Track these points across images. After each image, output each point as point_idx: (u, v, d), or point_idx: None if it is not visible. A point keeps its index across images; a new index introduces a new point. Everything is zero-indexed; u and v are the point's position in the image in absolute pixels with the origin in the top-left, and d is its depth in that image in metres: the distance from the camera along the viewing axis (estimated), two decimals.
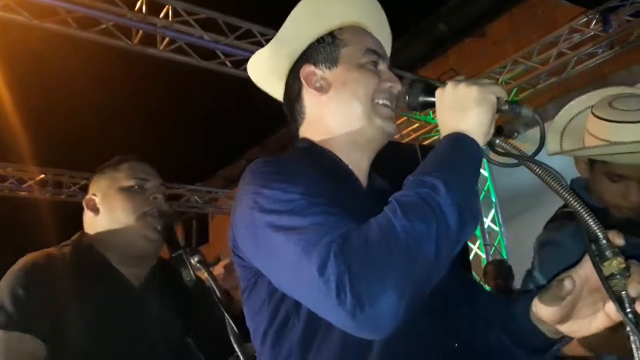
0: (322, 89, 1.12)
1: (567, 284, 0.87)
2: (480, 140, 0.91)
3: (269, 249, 0.88)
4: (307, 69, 1.14)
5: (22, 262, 1.41)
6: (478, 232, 6.07)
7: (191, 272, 1.37)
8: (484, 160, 0.97)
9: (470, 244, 6.10)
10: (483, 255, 6.15)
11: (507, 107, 0.93)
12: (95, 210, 1.56)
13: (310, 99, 1.14)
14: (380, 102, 1.09)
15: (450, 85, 0.96)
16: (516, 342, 1.00)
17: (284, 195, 0.88)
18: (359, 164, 1.10)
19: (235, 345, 1.22)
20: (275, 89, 1.25)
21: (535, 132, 1.76)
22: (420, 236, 0.78)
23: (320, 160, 1.07)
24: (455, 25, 6.97)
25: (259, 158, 1.02)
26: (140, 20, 4.03)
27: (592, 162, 1.64)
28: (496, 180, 6.31)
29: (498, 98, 0.92)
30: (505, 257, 6.09)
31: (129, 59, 4.55)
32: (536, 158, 0.91)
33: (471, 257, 6.11)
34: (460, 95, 0.92)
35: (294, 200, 0.87)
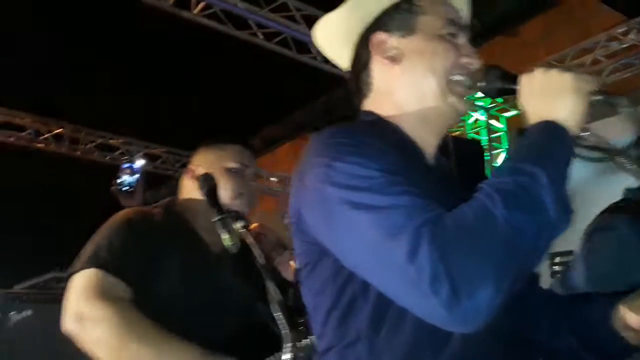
0: (394, 59, 1.05)
1: None
2: (574, 131, 0.86)
3: (345, 227, 0.83)
4: (379, 36, 1.07)
5: (119, 216, 1.54)
6: None
7: (234, 237, 1.39)
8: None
9: None
10: None
11: (600, 97, 0.88)
12: (197, 179, 1.66)
13: (379, 69, 1.07)
14: (456, 78, 1.03)
15: (540, 71, 0.91)
16: (586, 346, 0.98)
17: (361, 170, 0.83)
18: (426, 142, 1.05)
19: (279, 312, 1.22)
20: (340, 56, 1.19)
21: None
22: (521, 227, 0.74)
23: (388, 135, 1.01)
24: (487, 22, 6.88)
25: (324, 129, 0.95)
26: None
27: None
28: None
29: (591, 86, 0.88)
30: None
31: (153, 21, 4.49)
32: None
33: None
34: (554, 82, 0.88)
35: (373, 177, 0.82)
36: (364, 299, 0.87)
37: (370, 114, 1.07)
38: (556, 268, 5.79)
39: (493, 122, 6.33)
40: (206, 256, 1.59)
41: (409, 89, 1.04)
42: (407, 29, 1.06)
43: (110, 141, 7.10)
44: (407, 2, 1.07)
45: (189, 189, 1.69)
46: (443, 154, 1.13)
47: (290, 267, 2.12)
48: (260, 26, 4.61)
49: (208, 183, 1.55)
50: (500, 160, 6.19)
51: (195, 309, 1.46)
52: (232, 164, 1.70)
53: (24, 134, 6.64)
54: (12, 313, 3.11)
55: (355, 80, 1.13)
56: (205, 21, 4.34)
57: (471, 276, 0.71)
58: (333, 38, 1.17)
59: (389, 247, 0.75)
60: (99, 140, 7.07)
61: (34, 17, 5.13)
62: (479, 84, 1.02)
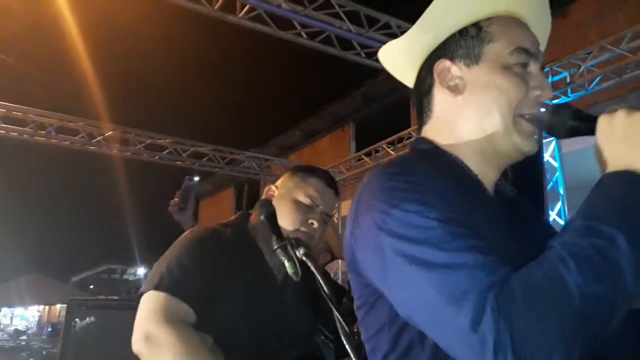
0: (456, 89, 0.99)
1: None
2: None
3: (402, 281, 0.80)
4: (443, 63, 1.00)
5: (192, 234, 1.56)
6: None
7: (296, 264, 1.36)
8: (555, 148, 0.87)
9: None
10: None
11: None
12: (271, 200, 1.69)
13: (441, 97, 1.02)
14: (526, 116, 0.95)
15: (622, 113, 0.83)
16: None
17: (420, 220, 0.79)
18: (486, 175, 0.99)
19: (347, 347, 1.21)
20: (406, 77, 1.14)
21: None
22: (596, 298, 0.69)
23: (447, 168, 0.96)
24: None
25: (382, 165, 0.92)
26: None
27: None
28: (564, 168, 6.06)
29: None
30: None
31: (202, 25, 4.54)
32: None
33: None
34: (638, 127, 0.81)
35: (431, 227, 0.78)
36: (421, 347, 0.84)
37: (428, 142, 1.03)
38: None
39: None
40: (270, 281, 1.60)
41: (470, 122, 0.98)
42: (472, 58, 0.99)
43: (158, 141, 7.26)
44: (476, 28, 1.00)
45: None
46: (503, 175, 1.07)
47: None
48: (303, 25, 4.59)
49: (266, 209, 1.53)
50: (551, 151, 5.99)
51: (255, 335, 1.48)
52: (303, 198, 1.68)
53: (77, 137, 6.88)
54: (76, 320, 3.24)
55: (417, 104, 1.08)
56: (250, 24, 4.35)
57: (538, 349, 0.68)
58: (400, 63, 1.13)
59: (450, 312, 0.72)
60: (148, 141, 7.25)
61: None
62: (545, 123, 0.94)
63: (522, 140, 0.95)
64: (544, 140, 5.98)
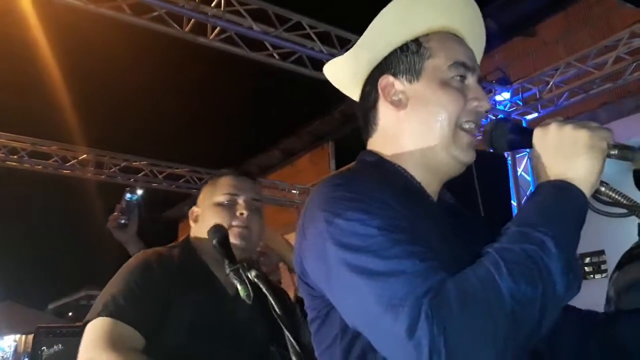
0: (399, 104, 1.02)
1: None
2: (588, 191, 0.84)
3: (345, 289, 0.82)
4: (386, 79, 1.04)
5: (137, 259, 1.53)
6: None
7: (248, 287, 1.36)
8: (529, 163, 0.90)
9: None
10: None
11: (616, 152, 0.85)
12: (196, 221, 1.68)
13: (385, 111, 1.05)
14: (466, 126, 0.99)
15: (555, 126, 0.87)
16: None
17: (361, 228, 0.81)
18: (429, 185, 1.02)
19: None
20: (354, 94, 1.17)
21: None
22: (527, 300, 0.72)
23: (391, 177, 0.99)
24: (504, 23, 6.78)
25: (328, 177, 0.95)
26: (192, 8, 4.03)
27: None
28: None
29: (607, 143, 0.85)
30: None
31: (173, 47, 4.56)
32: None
33: None
34: (568, 139, 0.85)
35: (373, 235, 0.80)
36: (374, 355, 0.85)
37: (373, 154, 1.06)
38: (587, 269, 5.68)
39: None
40: (222, 297, 1.58)
41: (412, 135, 1.01)
42: (413, 74, 1.03)
43: (134, 164, 7.20)
44: (416, 44, 1.04)
45: (194, 231, 1.69)
46: (446, 186, 1.10)
47: (292, 287, 2.04)
48: (275, 47, 4.62)
49: (219, 234, 1.51)
50: (524, 166, 6.08)
51: (210, 352, 1.46)
52: (220, 198, 1.64)
53: (50, 161, 6.79)
54: (43, 348, 3.16)
55: (363, 118, 1.11)
56: (222, 45, 4.37)
57: (471, 352, 0.69)
58: (345, 77, 1.15)
59: (388, 320, 0.73)
60: (123, 164, 7.18)
61: None
62: (487, 139, 0.99)
63: (461, 152, 1.00)
64: (517, 155, 6.07)
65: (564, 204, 0.82)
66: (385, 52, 1.06)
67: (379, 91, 1.05)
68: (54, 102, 5.75)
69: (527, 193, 6.12)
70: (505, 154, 5.57)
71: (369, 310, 0.76)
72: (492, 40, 7.34)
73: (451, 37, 1.06)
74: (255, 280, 1.35)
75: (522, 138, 0.95)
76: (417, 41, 1.04)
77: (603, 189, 0.88)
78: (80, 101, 5.89)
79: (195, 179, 7.99)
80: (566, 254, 0.76)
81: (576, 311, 1.06)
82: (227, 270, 1.40)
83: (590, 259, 5.60)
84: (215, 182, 1.70)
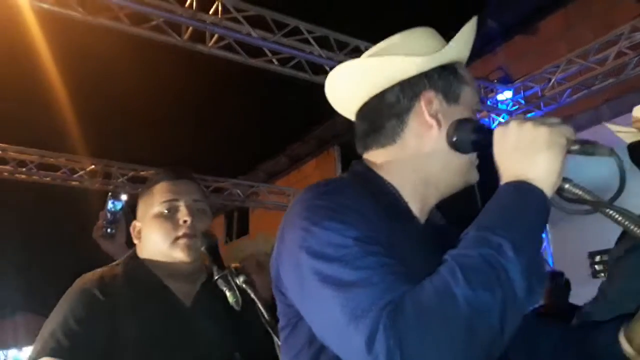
0: (438, 122, 0.98)
1: None
2: (549, 190, 0.81)
3: (314, 299, 0.81)
4: (429, 94, 0.99)
5: (76, 287, 1.43)
6: None
7: (237, 293, 1.33)
8: None
9: None
10: None
11: (577, 147, 0.83)
12: (139, 238, 1.57)
13: (418, 125, 0.99)
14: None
15: (514, 124, 0.85)
16: None
17: (337, 238, 0.80)
18: (427, 202, 1.01)
19: None
20: (351, 103, 1.09)
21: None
22: (484, 307, 0.70)
23: (379, 193, 0.96)
24: (505, 22, 6.77)
25: (312, 185, 0.93)
26: (190, 16, 4.08)
27: None
28: None
29: (567, 139, 0.82)
30: (551, 264, 5.89)
31: (177, 56, 4.61)
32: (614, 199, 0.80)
33: None
34: (527, 136, 0.82)
35: (347, 245, 0.79)
36: None
37: (364, 165, 1.03)
38: (597, 267, 5.61)
39: None
40: (176, 309, 1.49)
41: (440, 155, 0.98)
42: (453, 96, 1.00)
43: (142, 173, 7.26)
44: (453, 68, 1.01)
45: (138, 248, 1.58)
46: (439, 208, 1.09)
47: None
48: (274, 52, 4.66)
49: (207, 240, 1.46)
50: None
51: None
52: (158, 208, 1.52)
53: (59, 173, 6.88)
54: None
55: (375, 124, 1.03)
56: (221, 53, 4.41)
57: None
58: (349, 83, 1.07)
59: (350, 332, 0.73)
60: (131, 174, 7.25)
61: None
62: (450, 141, 0.97)
63: (474, 175, 1.01)
64: None
65: (523, 205, 0.80)
66: (425, 66, 1.00)
67: (420, 103, 0.99)
68: (57, 113, 5.82)
69: None
70: None
71: (334, 320, 0.76)
72: (494, 40, 7.35)
73: (469, 72, 1.06)
74: (244, 286, 1.33)
75: (486, 138, 0.92)
76: (453, 66, 1.02)
77: (567, 185, 0.85)
78: (86, 113, 5.95)
79: (203, 186, 8.03)
80: (526, 257, 0.74)
81: (551, 322, 1.04)
82: (216, 277, 1.37)
83: (601, 257, 5.54)
84: (151, 190, 1.57)
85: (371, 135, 1.04)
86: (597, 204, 0.81)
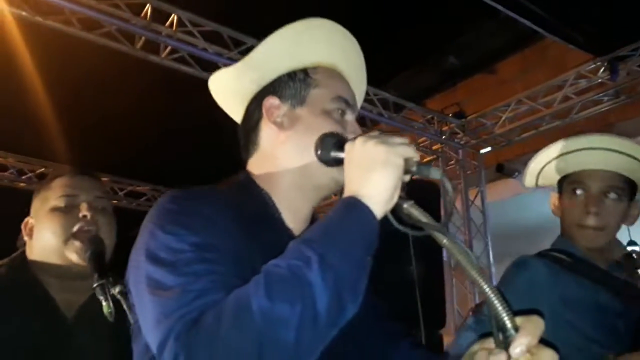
0: (281, 125, 1.06)
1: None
2: (379, 207, 0.82)
3: (140, 301, 0.82)
4: (272, 100, 1.09)
5: None
6: None
7: (111, 304, 1.30)
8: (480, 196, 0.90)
9: None
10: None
11: (415, 168, 0.86)
12: (30, 235, 1.48)
13: (267, 132, 1.08)
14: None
15: (359, 141, 0.89)
16: None
17: (175, 243, 0.81)
18: (299, 209, 1.04)
19: None
20: (234, 111, 1.20)
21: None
22: (279, 320, 0.68)
23: (250, 202, 0.99)
24: (466, 60, 6.96)
25: (175, 189, 0.95)
26: (144, 27, 4.07)
27: (560, 193, 1.76)
28: (488, 217, 6.16)
29: (407, 159, 0.85)
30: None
31: (134, 67, 4.56)
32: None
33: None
34: (367, 154, 0.85)
35: (183, 250, 0.79)
36: None
37: (247, 175, 1.08)
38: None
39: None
40: (57, 323, 1.41)
41: (290, 156, 1.05)
42: (298, 100, 1.08)
43: (137, 188, 7.09)
44: (303, 72, 1.09)
45: (28, 246, 1.49)
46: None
47: None
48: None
49: (94, 246, 1.39)
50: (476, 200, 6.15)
51: None
52: (55, 202, 1.43)
53: (6, 173, 6.70)
54: None
55: (245, 137, 1.13)
56: (174, 64, 4.42)
57: None
58: (228, 94, 1.18)
59: (153, 335, 0.74)
60: (129, 188, 7.04)
61: None
62: (315, 155, 1.01)
63: (339, 173, 1.01)
64: (470, 188, 6.15)
65: (347, 220, 0.81)
66: (272, 75, 1.10)
67: (263, 111, 1.09)
68: (34, 120, 5.63)
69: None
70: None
71: (147, 323, 0.77)
72: (454, 76, 7.54)
73: (337, 75, 1.13)
74: (118, 296, 1.30)
75: (340, 153, 0.96)
76: (304, 71, 1.10)
77: (405, 205, 0.86)
78: (76, 127, 5.76)
79: (158, 197, 7.87)
80: (334, 272, 0.72)
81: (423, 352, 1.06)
82: (94, 285, 1.33)
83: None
84: (49, 185, 1.50)
85: (245, 146, 1.13)
86: (431, 228, 0.82)
